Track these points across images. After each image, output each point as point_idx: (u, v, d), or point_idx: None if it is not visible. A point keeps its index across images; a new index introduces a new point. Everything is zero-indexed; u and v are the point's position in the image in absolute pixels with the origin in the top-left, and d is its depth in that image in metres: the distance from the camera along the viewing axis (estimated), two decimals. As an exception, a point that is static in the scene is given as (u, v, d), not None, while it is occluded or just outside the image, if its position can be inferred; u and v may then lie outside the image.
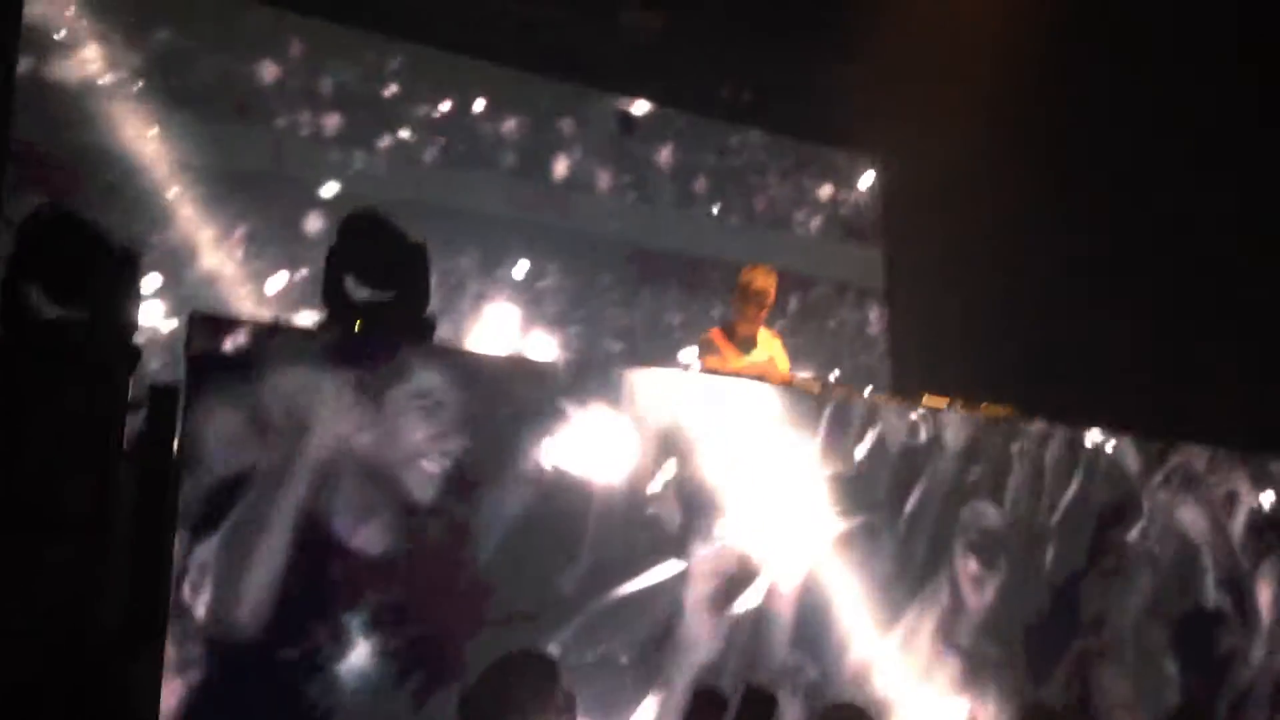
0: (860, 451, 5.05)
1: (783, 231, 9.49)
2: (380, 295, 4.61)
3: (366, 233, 4.65)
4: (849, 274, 9.54)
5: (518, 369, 4.66)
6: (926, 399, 5.39)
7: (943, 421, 5.27)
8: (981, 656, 5.17)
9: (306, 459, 4.09)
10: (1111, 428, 5.75)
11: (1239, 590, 5.95)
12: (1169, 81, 7.60)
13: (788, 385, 5.38)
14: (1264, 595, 6.02)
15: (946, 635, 5.10)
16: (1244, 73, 7.37)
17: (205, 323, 4.40)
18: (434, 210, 8.00)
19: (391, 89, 8.42)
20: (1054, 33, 7.73)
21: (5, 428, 4.34)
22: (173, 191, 7.59)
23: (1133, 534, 5.71)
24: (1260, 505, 6.13)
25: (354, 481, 4.14)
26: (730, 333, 6.17)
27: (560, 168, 8.79)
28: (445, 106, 8.57)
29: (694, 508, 4.62)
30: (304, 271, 7.90)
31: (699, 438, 4.67)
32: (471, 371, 4.45)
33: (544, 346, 8.17)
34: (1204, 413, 6.79)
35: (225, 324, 4.43)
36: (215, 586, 3.93)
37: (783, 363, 6.18)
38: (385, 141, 8.36)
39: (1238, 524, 6.04)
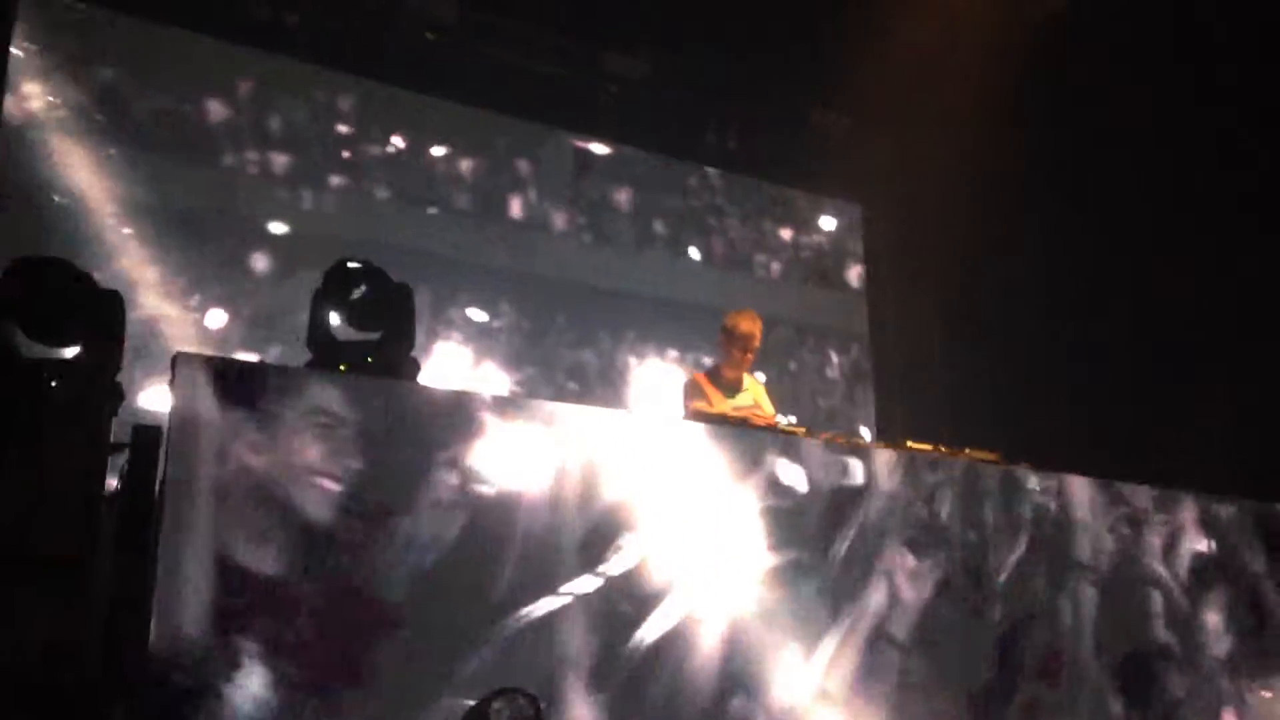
0: (792, 487, 5.10)
1: (743, 274, 9.61)
2: (366, 336, 4.75)
3: (352, 275, 4.78)
4: (809, 317, 9.62)
5: (437, 398, 4.66)
6: (910, 444, 5.49)
7: (877, 460, 5.33)
8: (916, 661, 5.21)
9: (205, 480, 4.15)
10: (1095, 471, 5.89)
11: (1186, 630, 6.04)
12: (1152, 118, 7.83)
13: (771, 429, 5.48)
14: (1209, 635, 6.11)
15: (881, 632, 5.16)
16: (1223, 111, 7.62)
17: (190, 361, 4.53)
18: (385, 249, 8.02)
19: (342, 127, 8.47)
20: (1035, 75, 7.97)
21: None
22: (116, 229, 7.59)
23: (1080, 577, 5.77)
24: (1205, 547, 6.23)
25: (248, 502, 4.19)
26: (715, 376, 6.24)
27: (515, 207, 8.87)
28: (398, 145, 8.64)
29: (613, 537, 4.67)
30: (249, 310, 7.96)
31: (624, 470, 4.74)
32: (380, 395, 4.46)
33: (498, 386, 8.23)
34: (1190, 454, 6.93)
35: (208, 363, 4.56)
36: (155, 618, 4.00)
37: (767, 406, 6.23)
38: (336, 180, 8.40)
39: (1184, 564, 6.14)
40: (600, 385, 8.65)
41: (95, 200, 7.62)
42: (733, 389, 6.19)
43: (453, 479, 4.43)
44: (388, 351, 4.72)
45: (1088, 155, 8.23)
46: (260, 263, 8.13)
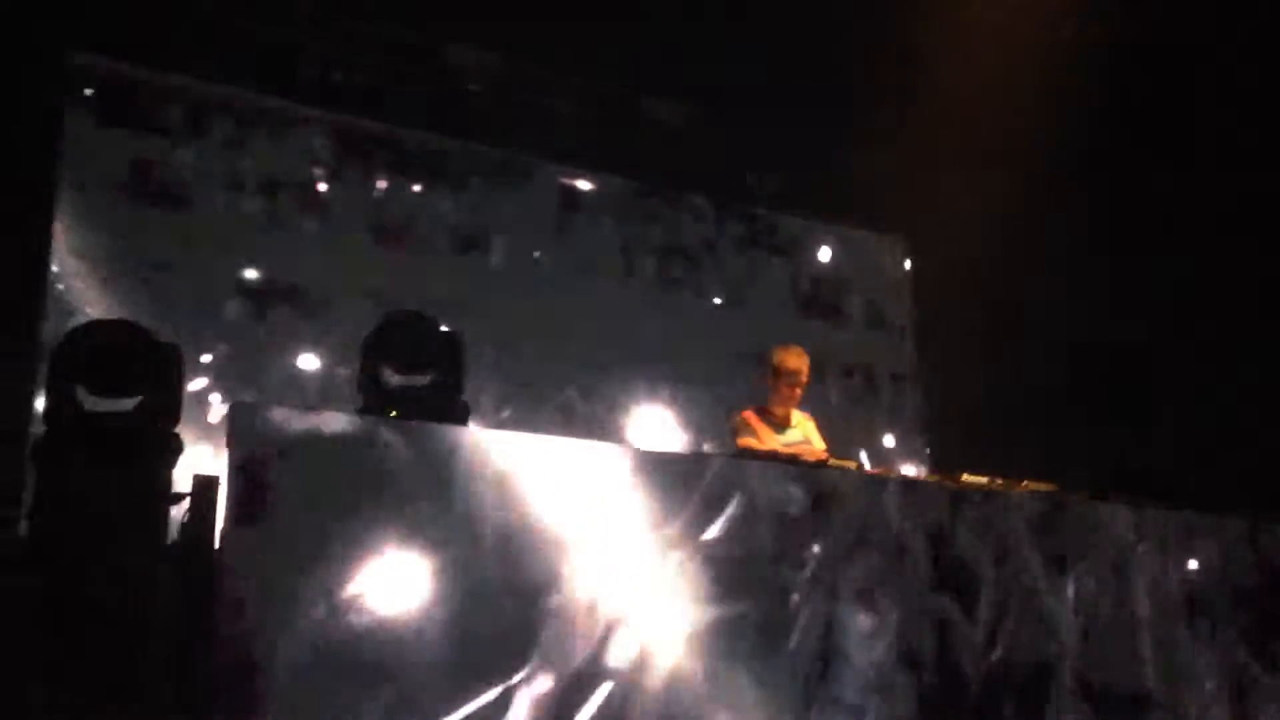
0: (731, 523, 4.94)
1: (739, 307, 9.78)
2: (415, 381, 5.06)
3: (401, 323, 5.10)
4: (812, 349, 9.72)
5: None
6: (965, 477, 5.58)
7: (834, 486, 5.18)
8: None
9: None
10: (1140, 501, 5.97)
11: (1172, 668, 5.94)
12: (1199, 158, 8.15)
13: (823, 465, 5.62)
14: (1198, 675, 6.03)
15: (827, 694, 5.00)
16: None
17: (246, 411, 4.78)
18: (366, 293, 8.19)
19: (317, 169, 8.60)
20: (1078, 110, 8.24)
21: (48, 523, 4.63)
22: (85, 278, 7.66)
23: (1064, 608, 5.68)
24: (1191, 571, 6.13)
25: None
26: (764, 413, 6.45)
27: (499, 245, 9.04)
28: (379, 184, 8.79)
29: (531, 606, 4.53)
30: (223, 355, 8.09)
31: (541, 520, 4.59)
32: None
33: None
34: (1240, 486, 7.12)
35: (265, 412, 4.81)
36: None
37: (818, 442, 6.46)
38: (311, 224, 8.54)
39: (1174, 594, 6.04)
40: (585, 425, 8.76)
41: (61, 248, 7.71)
42: (782, 426, 6.43)
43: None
44: (437, 394, 5.03)
45: (1138, 181, 8.50)
46: (233, 310, 8.22)
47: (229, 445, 4.55)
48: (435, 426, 4.67)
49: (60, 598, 4.58)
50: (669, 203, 9.70)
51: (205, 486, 4.81)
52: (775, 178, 9.81)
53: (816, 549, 5.08)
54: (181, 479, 4.91)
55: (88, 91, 8.02)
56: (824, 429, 6.80)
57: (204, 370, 7.96)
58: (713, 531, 4.91)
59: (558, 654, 4.53)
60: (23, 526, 4.79)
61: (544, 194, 9.35)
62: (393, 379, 5.02)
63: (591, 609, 4.63)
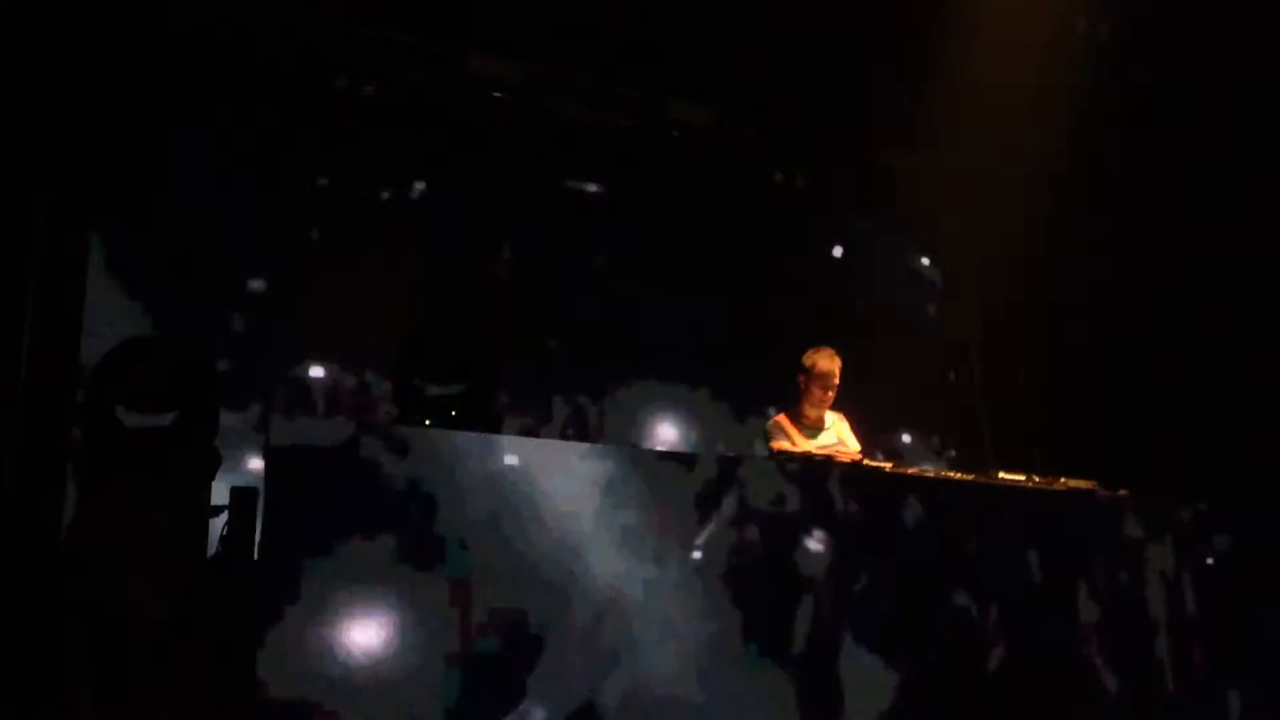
0: (732, 526, 4.91)
1: (755, 308, 9.72)
2: (448, 390, 5.17)
3: (432, 334, 5.22)
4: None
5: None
6: (1002, 474, 5.64)
7: (843, 486, 5.15)
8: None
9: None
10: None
11: (1184, 666, 5.92)
12: (1236, 160, 8.16)
13: (857, 466, 5.68)
14: (1212, 672, 5.98)
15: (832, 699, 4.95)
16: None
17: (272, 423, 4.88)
18: (371, 297, 8.21)
19: (322, 177, 8.65)
20: (1085, 110, 8.31)
21: (89, 537, 4.73)
22: (97, 289, 7.62)
23: (1078, 606, 5.70)
24: (1207, 566, 6.11)
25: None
26: (796, 417, 6.54)
27: (507, 248, 9.07)
28: (382, 188, 8.83)
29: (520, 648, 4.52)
30: (228, 364, 8.11)
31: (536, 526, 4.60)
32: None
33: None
34: (1248, 481, 7.21)
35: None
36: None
37: (852, 443, 6.51)
38: (315, 231, 8.57)
39: (1188, 589, 6.05)
40: (598, 430, 8.77)
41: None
42: (815, 429, 6.50)
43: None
44: (470, 403, 5.14)
45: (1173, 172, 8.51)
46: (237, 321, 8.21)
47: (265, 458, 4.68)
48: (438, 433, 4.71)
49: (98, 610, 4.67)
50: (681, 203, 9.65)
51: (244, 499, 4.93)
52: (791, 176, 9.84)
53: (821, 549, 5.08)
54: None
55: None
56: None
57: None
58: (713, 536, 4.90)
59: (555, 680, 4.55)
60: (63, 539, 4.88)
61: (553, 196, 9.36)
62: (428, 388, 5.13)
63: (588, 630, 4.63)
